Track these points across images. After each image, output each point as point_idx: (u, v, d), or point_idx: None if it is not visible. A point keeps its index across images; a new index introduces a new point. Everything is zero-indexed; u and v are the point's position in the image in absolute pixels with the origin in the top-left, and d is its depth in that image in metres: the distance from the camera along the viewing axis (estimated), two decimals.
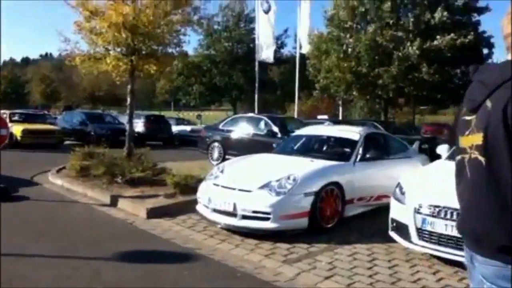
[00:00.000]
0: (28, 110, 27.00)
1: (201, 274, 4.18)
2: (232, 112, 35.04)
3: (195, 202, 6.28)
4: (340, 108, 23.66)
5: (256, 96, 23.75)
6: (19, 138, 15.54)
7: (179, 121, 25.32)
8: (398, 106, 23.46)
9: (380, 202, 6.40)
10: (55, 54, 67.86)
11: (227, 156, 11.86)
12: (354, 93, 20.59)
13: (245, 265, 4.43)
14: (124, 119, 20.80)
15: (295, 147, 7.36)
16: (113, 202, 6.93)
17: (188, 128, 22.74)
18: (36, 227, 5.62)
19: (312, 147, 7.31)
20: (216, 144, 12.48)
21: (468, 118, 1.62)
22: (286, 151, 7.12)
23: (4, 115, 15.84)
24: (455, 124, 1.80)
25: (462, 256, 4.00)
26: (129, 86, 10.25)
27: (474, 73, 1.68)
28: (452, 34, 18.20)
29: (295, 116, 20.40)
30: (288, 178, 5.45)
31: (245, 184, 5.55)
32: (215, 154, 12.37)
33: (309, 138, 7.57)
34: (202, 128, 15.48)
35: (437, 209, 4.29)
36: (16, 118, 17.54)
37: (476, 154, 1.54)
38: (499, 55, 23.76)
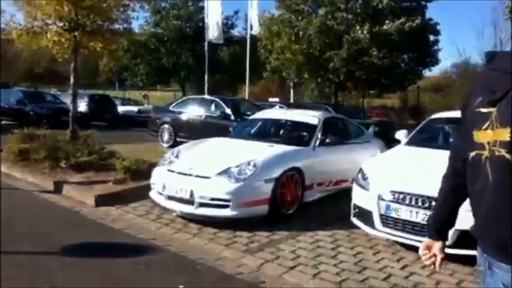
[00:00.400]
0: None
1: (159, 269, 3.90)
2: (181, 93, 34.29)
3: (147, 188, 5.95)
4: (291, 91, 23.66)
5: (206, 77, 23.24)
6: None
7: (125, 101, 24.36)
8: (348, 89, 23.82)
9: (339, 187, 6.34)
10: None
11: (178, 139, 11.50)
12: (305, 75, 20.61)
13: (205, 257, 4.19)
14: (65, 98, 19.81)
15: (252, 131, 7.14)
16: (57, 189, 6.43)
17: (135, 108, 21.92)
18: None
19: (270, 132, 7.12)
20: (166, 126, 12.03)
21: (485, 110, 1.44)
22: (243, 135, 6.88)
23: None
24: (463, 116, 1.63)
25: None
26: (72, 64, 9.60)
27: (491, 61, 1.50)
28: (401, 19, 18.57)
29: (246, 98, 20.18)
30: (248, 164, 5.23)
31: (203, 170, 5.28)
32: (166, 137, 11.94)
33: (266, 122, 7.36)
34: (151, 109, 14.91)
35: (401, 196, 4.23)
36: None
37: (502, 152, 1.36)
38: (444, 43, 24.71)
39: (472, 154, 1.49)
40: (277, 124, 7.20)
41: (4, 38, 10.01)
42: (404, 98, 28.86)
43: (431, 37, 21.59)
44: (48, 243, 4.31)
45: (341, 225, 5.09)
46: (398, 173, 4.61)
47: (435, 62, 22.08)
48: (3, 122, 16.11)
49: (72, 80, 9.64)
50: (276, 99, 21.35)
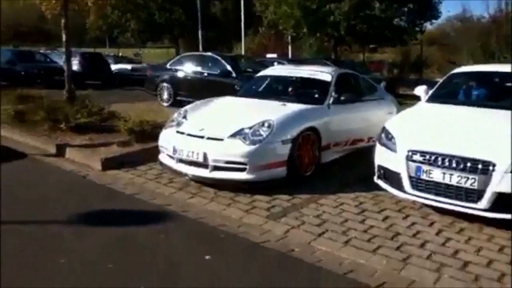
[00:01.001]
0: None
1: (179, 237, 3.68)
2: (174, 50, 33.40)
3: (153, 150, 5.70)
4: (289, 46, 23.01)
5: (199, 32, 22.54)
6: None
7: (118, 59, 23.63)
8: (347, 44, 23.19)
9: (355, 146, 6.11)
10: None
11: (178, 98, 11.14)
12: (304, 30, 19.96)
13: (226, 223, 3.96)
14: (55, 57, 19.11)
15: (261, 90, 6.78)
16: (60, 152, 6.13)
17: (128, 66, 21.26)
18: None
19: (281, 90, 6.76)
20: (165, 84, 11.60)
21: None
22: (252, 94, 6.51)
23: None
24: None
25: (462, 206, 3.79)
26: (62, 21, 9.05)
27: None
28: None
29: (243, 54, 19.63)
30: (263, 124, 4.93)
31: (215, 132, 4.98)
32: (165, 95, 11.53)
33: (275, 80, 6.99)
34: (147, 67, 14.39)
35: (433, 157, 3.98)
36: None
37: None
38: None
39: None
40: (288, 81, 6.83)
41: None
42: (406, 52, 28.17)
43: None
44: (59, 211, 4.06)
45: (363, 187, 4.87)
46: (427, 133, 4.34)
47: (437, 15, 21.47)
48: None
49: (64, 37, 9.11)
50: (274, 55, 20.75)
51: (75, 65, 17.45)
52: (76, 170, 5.50)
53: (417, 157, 4.08)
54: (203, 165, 4.82)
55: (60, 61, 16.50)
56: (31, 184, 4.97)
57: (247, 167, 4.69)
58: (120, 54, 32.05)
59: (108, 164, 5.58)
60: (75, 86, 9.14)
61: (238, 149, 4.75)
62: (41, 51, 24.20)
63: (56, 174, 5.37)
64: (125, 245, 3.46)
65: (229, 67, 10.88)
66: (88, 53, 21.33)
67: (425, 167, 4.01)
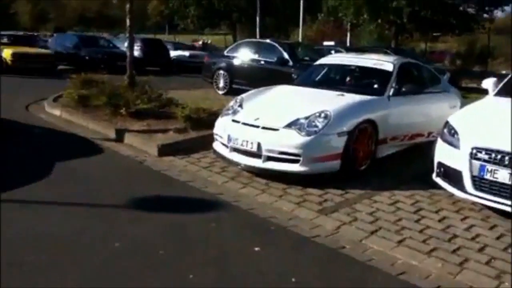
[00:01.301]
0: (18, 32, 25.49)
1: (230, 228, 3.70)
2: (231, 36, 33.59)
3: (208, 138, 5.75)
4: (348, 34, 22.45)
5: (257, 19, 22.45)
6: (9, 62, 14.59)
7: (177, 46, 24.08)
8: (409, 32, 22.24)
9: (413, 141, 5.88)
10: None
11: (234, 86, 11.18)
12: (365, 16, 19.32)
13: (277, 215, 3.94)
14: (117, 42, 19.77)
15: (318, 79, 6.66)
16: (119, 137, 6.34)
17: (186, 53, 21.62)
18: (33, 167, 5.00)
19: (339, 79, 6.62)
20: (221, 72, 11.68)
21: None
22: (309, 83, 6.40)
23: None
24: None
25: None
26: (127, 6, 9.27)
27: None
28: None
29: (300, 41, 19.38)
30: (319, 115, 4.83)
31: (270, 122, 4.93)
32: (221, 83, 11.62)
33: (333, 68, 6.84)
34: (205, 55, 14.56)
35: (499, 155, 3.74)
36: (4, 40, 16.40)
37: None
38: None
39: None
40: (346, 70, 6.65)
41: None
42: (472, 41, 26.55)
43: None
44: (116, 196, 4.20)
45: (419, 184, 4.69)
46: (494, 129, 4.08)
47: (509, 1, 20.02)
48: (60, 67, 16.37)
49: (128, 22, 9.32)
50: (332, 43, 20.33)
51: (136, 51, 17.83)
52: (133, 155, 5.67)
53: (481, 155, 3.86)
54: (257, 155, 4.80)
55: (122, 46, 17.06)
56: (90, 167, 5.16)
57: (301, 159, 4.63)
58: (177, 40, 32.57)
59: (164, 150, 5.71)
60: (135, 72, 9.41)
61: (293, 140, 4.69)
62: (104, 35, 25.18)
63: (114, 158, 5.57)
64: (177, 232, 3.52)
65: (286, 55, 10.78)
66: (149, 39, 21.91)
67: (489, 167, 3.78)
